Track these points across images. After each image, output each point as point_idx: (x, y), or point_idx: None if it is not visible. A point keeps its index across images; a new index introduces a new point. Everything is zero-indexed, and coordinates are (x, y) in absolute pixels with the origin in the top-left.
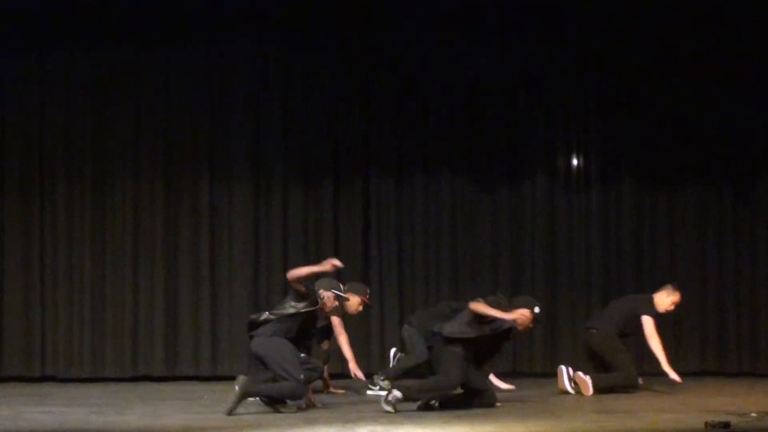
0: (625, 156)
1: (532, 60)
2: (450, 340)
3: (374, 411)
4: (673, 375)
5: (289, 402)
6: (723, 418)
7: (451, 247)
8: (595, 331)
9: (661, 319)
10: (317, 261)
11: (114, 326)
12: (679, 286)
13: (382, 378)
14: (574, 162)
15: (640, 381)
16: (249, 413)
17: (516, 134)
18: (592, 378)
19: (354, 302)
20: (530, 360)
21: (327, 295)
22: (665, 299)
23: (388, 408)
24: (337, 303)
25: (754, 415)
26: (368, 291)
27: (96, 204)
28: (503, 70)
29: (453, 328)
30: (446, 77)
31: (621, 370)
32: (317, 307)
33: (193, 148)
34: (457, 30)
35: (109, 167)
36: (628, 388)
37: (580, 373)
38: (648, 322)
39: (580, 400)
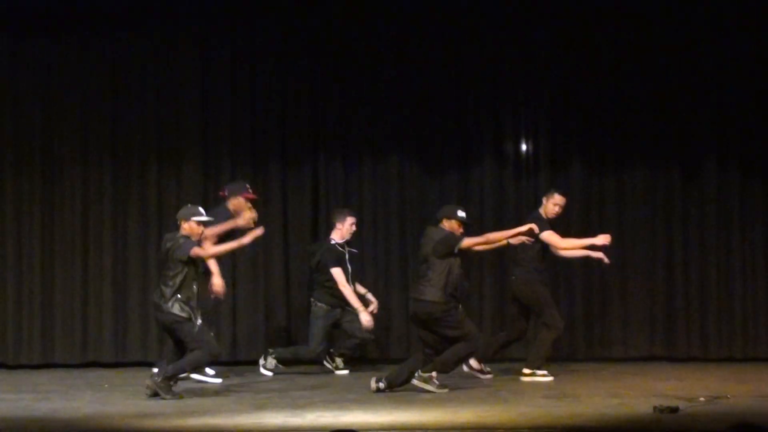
0: (573, 140)
1: (480, 44)
2: None
3: (323, 397)
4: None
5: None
6: (671, 403)
7: (399, 231)
8: (514, 278)
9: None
10: (265, 246)
11: (63, 313)
12: (556, 189)
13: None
14: (523, 146)
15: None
16: (198, 398)
17: (464, 118)
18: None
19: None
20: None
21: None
22: (550, 206)
23: None
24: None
25: (702, 399)
26: (246, 185)
27: (44, 190)
28: (452, 54)
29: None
30: (395, 61)
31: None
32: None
33: (141, 132)
34: (406, 14)
35: (57, 154)
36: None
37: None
38: (551, 237)
39: (528, 385)
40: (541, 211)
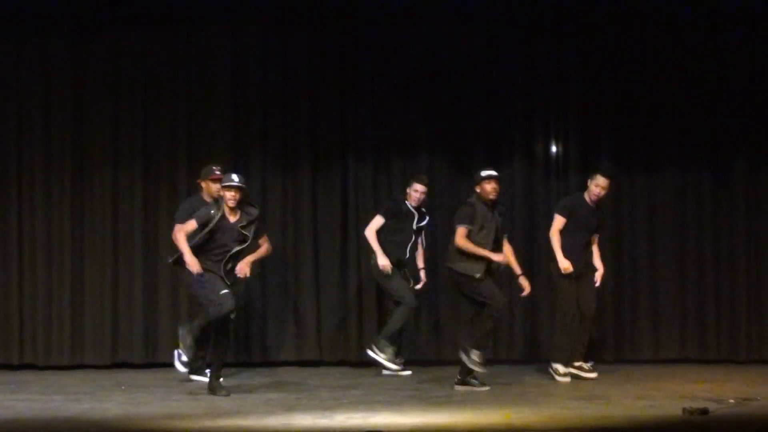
0: (603, 141)
1: (511, 45)
2: None
3: (352, 398)
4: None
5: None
6: (701, 405)
7: (430, 233)
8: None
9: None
10: (295, 247)
11: (93, 313)
12: (599, 171)
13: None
14: (553, 147)
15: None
16: (227, 399)
17: (495, 119)
18: None
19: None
20: (509, 347)
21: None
22: (592, 188)
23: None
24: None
25: (731, 401)
26: (214, 168)
27: (74, 191)
28: (482, 54)
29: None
30: (425, 62)
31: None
32: None
33: (172, 135)
34: (436, 15)
35: (88, 155)
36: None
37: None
38: (554, 222)
39: (557, 386)
40: (585, 195)
